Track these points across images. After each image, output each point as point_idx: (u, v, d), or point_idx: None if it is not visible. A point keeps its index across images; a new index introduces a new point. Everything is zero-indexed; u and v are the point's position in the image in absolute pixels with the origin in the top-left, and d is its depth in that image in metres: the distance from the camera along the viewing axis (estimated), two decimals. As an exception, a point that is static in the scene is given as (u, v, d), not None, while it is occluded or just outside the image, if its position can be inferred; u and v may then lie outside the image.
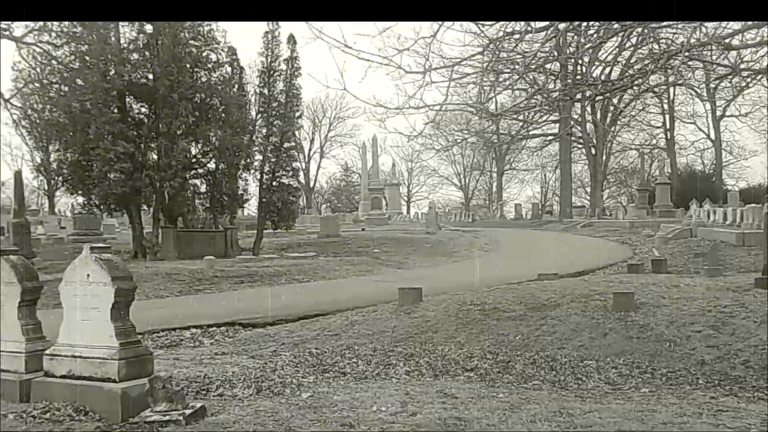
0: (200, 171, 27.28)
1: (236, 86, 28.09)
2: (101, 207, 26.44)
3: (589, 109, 50.72)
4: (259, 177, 28.30)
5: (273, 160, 27.97)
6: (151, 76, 25.28)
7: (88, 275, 6.29)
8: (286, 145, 28.38)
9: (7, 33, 26.32)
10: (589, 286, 12.10)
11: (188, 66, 25.39)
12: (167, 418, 5.86)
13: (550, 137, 55.43)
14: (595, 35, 8.06)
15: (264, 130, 28.32)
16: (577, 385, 7.54)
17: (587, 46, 8.44)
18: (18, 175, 22.72)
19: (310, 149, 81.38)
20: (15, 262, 6.93)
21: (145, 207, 27.26)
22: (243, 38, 58.01)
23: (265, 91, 28.25)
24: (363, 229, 40.03)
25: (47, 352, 6.52)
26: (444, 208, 73.58)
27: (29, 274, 6.95)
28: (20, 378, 6.59)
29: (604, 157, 57.30)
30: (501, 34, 8.18)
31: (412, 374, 7.99)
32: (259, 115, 28.48)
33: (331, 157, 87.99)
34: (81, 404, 6.09)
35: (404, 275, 20.56)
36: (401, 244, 30.16)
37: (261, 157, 28.16)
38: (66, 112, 24.38)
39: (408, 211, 72.22)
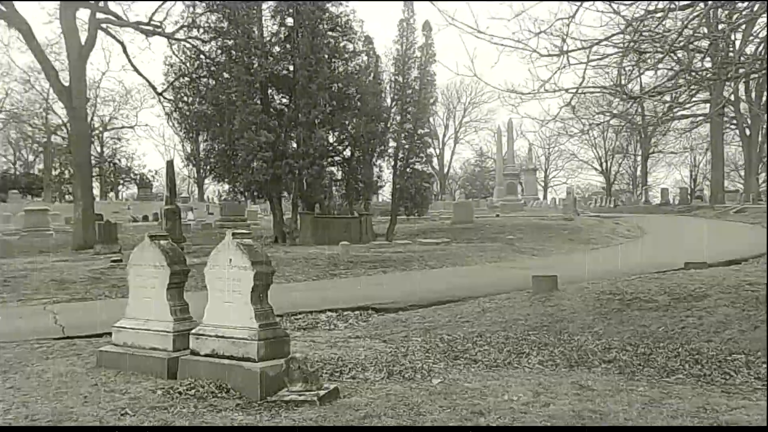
0: (337, 158, 27.99)
1: (372, 75, 28.50)
2: (245, 194, 27.75)
3: (742, 88, 47.30)
4: (393, 164, 28.63)
5: (407, 146, 28.19)
6: (291, 68, 26.17)
7: (230, 260, 6.60)
8: (419, 131, 28.50)
9: (160, 30, 28.04)
10: (740, 275, 11.33)
11: (326, 56, 26.04)
12: (302, 398, 6.06)
13: (700, 118, 52.20)
14: (748, 10, 7.48)
15: (398, 117, 28.58)
16: (723, 380, 7.08)
17: (740, 22, 7.85)
18: (170, 165, 24.15)
19: (444, 135, 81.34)
20: (165, 246, 7.39)
21: (285, 194, 28.31)
22: (379, 27, 58.65)
23: (400, 78, 28.47)
24: (497, 215, 39.56)
25: (193, 331, 6.91)
26: (583, 193, 71.35)
27: (177, 257, 7.39)
28: (168, 356, 7.03)
29: (759, 139, 53.29)
30: (642, 12, 7.77)
31: (545, 364, 7.80)
32: (394, 103, 28.76)
33: (466, 142, 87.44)
34: (223, 382, 6.41)
35: (539, 262, 20.13)
36: (537, 231, 29.53)
37: (395, 144, 28.46)
38: (213, 104, 25.73)
39: (545, 197, 70.56)
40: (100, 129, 70.76)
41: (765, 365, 7.42)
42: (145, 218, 45.46)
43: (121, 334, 7.55)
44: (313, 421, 5.47)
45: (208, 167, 28.07)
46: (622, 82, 8.72)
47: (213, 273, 6.76)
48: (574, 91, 8.58)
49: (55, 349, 9.02)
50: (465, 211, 34.44)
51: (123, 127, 71.98)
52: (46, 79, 33.16)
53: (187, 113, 27.85)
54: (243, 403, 6.09)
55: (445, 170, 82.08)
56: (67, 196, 66.21)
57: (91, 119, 58.30)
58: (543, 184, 79.55)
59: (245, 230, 7.30)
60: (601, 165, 77.30)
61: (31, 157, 78.73)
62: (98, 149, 71.50)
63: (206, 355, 6.69)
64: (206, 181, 64.42)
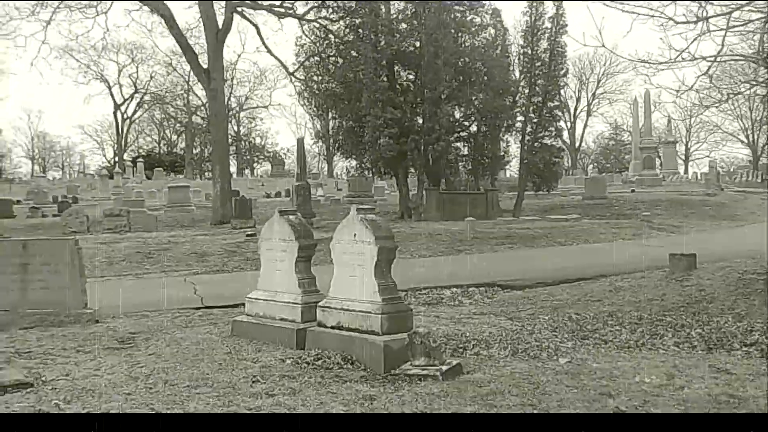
0: (463, 134, 27.73)
1: (499, 48, 27.91)
2: (372, 170, 28.13)
3: None
4: (521, 138, 27.99)
5: (535, 120, 27.44)
6: (417, 44, 26.11)
7: (355, 234, 6.69)
8: (549, 104, 27.62)
9: (291, 11, 28.76)
10: None
11: (452, 31, 25.77)
12: (425, 372, 6.07)
13: None
14: None
15: (527, 91, 27.84)
16: None
17: None
18: (300, 142, 24.90)
19: (576, 108, 78.75)
20: (293, 221, 7.60)
21: (411, 170, 28.43)
22: (507, -2, 57.21)
23: (529, 50, 27.65)
24: (632, 191, 37.91)
25: (320, 304, 7.08)
26: (728, 167, 67.07)
27: (305, 232, 7.59)
28: (296, 327, 7.27)
29: None
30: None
31: (681, 346, 7.41)
32: (522, 76, 28.03)
33: (599, 115, 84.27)
34: (348, 353, 6.54)
35: (677, 240, 19.13)
36: (676, 207, 28.09)
37: (523, 118, 27.78)
38: (341, 82, 26.15)
39: (685, 171, 66.92)
40: (237, 109, 73.78)
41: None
42: (278, 194, 47.12)
43: (254, 305, 7.87)
44: (436, 395, 5.47)
45: (337, 144, 28.65)
46: (765, 49, 8.05)
47: (338, 248, 6.89)
48: (713, 59, 8.00)
49: (194, 318, 9.55)
50: (597, 186, 33.26)
51: (257, 107, 74.85)
52: (186, 62, 34.93)
53: (317, 92, 28.49)
54: (367, 375, 6.19)
55: (577, 144, 79.56)
56: (206, 174, 69.78)
57: (228, 100, 60.86)
58: (683, 157, 75.44)
59: (369, 206, 7.39)
60: (747, 137, 72.26)
61: (173, 137, 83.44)
62: (235, 128, 74.68)
63: (332, 327, 6.84)
64: (335, 157, 65.87)
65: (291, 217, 7.67)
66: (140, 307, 10.42)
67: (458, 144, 27.80)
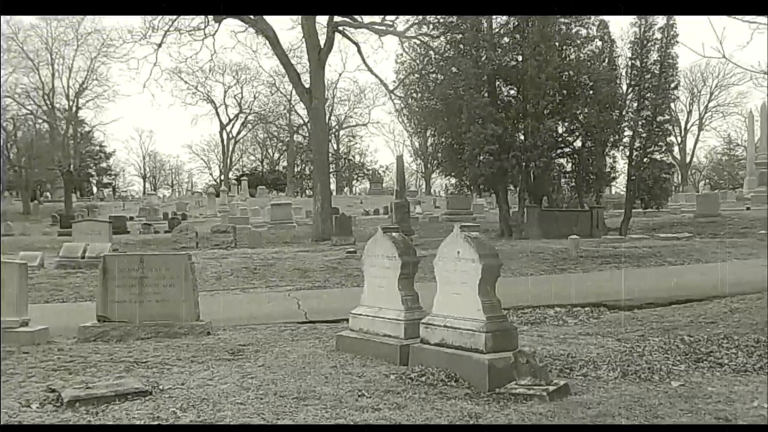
0: (566, 150, 27.18)
1: (606, 60, 27.24)
2: (471, 187, 27.98)
3: None
4: (628, 153, 27.14)
5: (644, 135, 26.52)
6: (519, 58, 25.86)
7: (458, 252, 6.69)
8: (659, 118, 26.66)
9: (392, 29, 29.16)
10: None
11: (557, 44, 25.38)
12: (531, 392, 5.97)
13: None
14: None
15: (635, 104, 26.99)
16: None
17: None
18: (400, 160, 25.14)
19: (687, 122, 75.86)
20: (396, 238, 7.68)
21: (511, 187, 28.12)
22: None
23: (638, 62, 26.78)
24: (748, 208, 36.07)
25: (423, 321, 7.11)
26: None
27: (408, 249, 7.65)
28: (400, 343, 7.33)
29: None
30: None
31: (805, 372, 6.97)
32: (630, 89, 27.19)
33: (712, 128, 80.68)
34: (452, 371, 6.52)
35: (798, 260, 18.01)
36: (796, 225, 26.45)
37: (631, 133, 26.94)
38: (441, 99, 26.22)
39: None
40: (336, 127, 75.24)
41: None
42: (376, 212, 47.67)
43: (357, 320, 7.98)
44: (543, 415, 5.38)
45: (436, 161, 28.74)
46: None
47: (441, 265, 6.90)
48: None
49: (299, 332, 9.79)
50: (710, 203, 31.82)
51: (356, 125, 75.98)
52: (289, 81, 35.97)
53: (416, 109, 28.71)
54: (471, 393, 6.15)
55: (688, 159, 76.48)
56: (307, 191, 71.41)
57: (329, 118, 62.24)
58: (803, 173, 71.08)
59: (472, 223, 7.39)
60: None
61: (275, 155, 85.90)
62: (334, 146, 76.15)
63: (435, 345, 6.84)
64: (433, 175, 66.01)
65: (394, 234, 7.76)
66: (248, 321, 10.78)
67: (561, 160, 27.28)
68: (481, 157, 24.69)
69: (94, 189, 77.74)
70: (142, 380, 6.69)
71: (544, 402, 5.76)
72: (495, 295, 6.64)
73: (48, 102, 56.61)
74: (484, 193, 30.43)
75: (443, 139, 27.09)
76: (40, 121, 58.73)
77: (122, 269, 9.41)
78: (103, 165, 77.80)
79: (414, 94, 29.19)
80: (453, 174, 27.49)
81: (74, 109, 58.54)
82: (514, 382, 6.20)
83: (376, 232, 8.05)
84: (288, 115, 73.50)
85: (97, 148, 72.39)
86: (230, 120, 78.21)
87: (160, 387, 6.50)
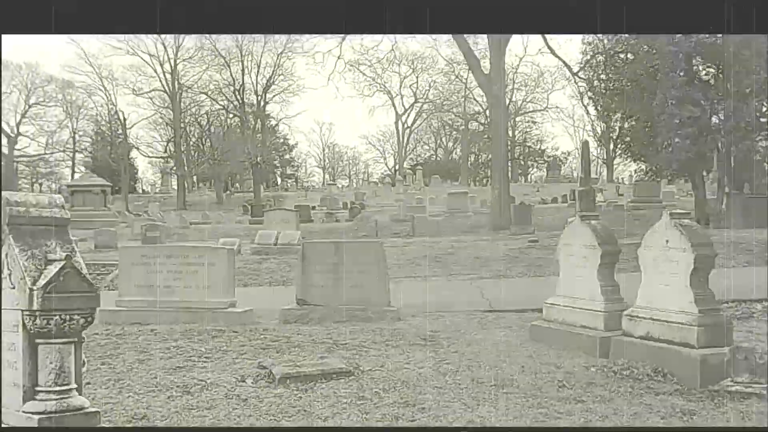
0: (772, 132, 24.93)
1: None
2: (662, 173, 26.43)
3: None
4: None
5: None
6: (720, 35, 24.00)
7: (667, 241, 6.33)
8: None
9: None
10: None
11: (763, 16, 23.32)
12: (749, 390, 5.59)
13: None
14: None
15: None
16: None
17: None
18: (585, 145, 23.96)
19: None
20: (596, 227, 7.41)
21: (704, 173, 26.27)
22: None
23: None
24: None
25: (625, 312, 6.81)
26: None
27: (608, 237, 7.36)
28: (599, 335, 7.08)
29: None
30: None
31: None
32: None
33: None
34: (659, 365, 6.20)
35: None
36: None
37: None
38: (631, 80, 24.94)
39: None
40: (513, 114, 74.05)
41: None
42: (554, 200, 46.38)
43: (552, 310, 7.81)
44: (765, 415, 4.99)
45: (623, 146, 27.43)
46: None
47: (648, 254, 6.57)
48: None
49: (487, 320, 9.73)
50: None
51: (534, 111, 74.34)
52: (468, 68, 35.84)
53: (603, 91, 27.50)
54: (682, 389, 5.86)
55: None
56: (482, 180, 71.03)
57: (508, 105, 61.41)
58: None
59: (683, 211, 6.95)
60: None
61: (449, 144, 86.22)
62: (510, 133, 74.99)
63: (640, 337, 6.55)
64: (616, 161, 63.20)
65: (593, 222, 7.49)
66: (433, 308, 10.86)
67: (765, 143, 25.04)
68: (677, 141, 23.19)
69: (278, 180, 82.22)
70: (343, 361, 6.96)
71: (762, 400, 5.36)
72: (708, 287, 6.23)
73: (238, 98, 60.48)
74: (678, 179, 28.63)
75: (633, 123, 25.78)
76: (231, 116, 62.95)
77: (319, 255, 9.84)
78: (287, 157, 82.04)
79: (601, 76, 27.95)
80: (643, 159, 26.11)
81: (262, 104, 62.15)
82: (729, 379, 5.81)
83: (569, 221, 7.82)
84: (463, 102, 73.37)
85: (282, 140, 76.43)
86: (405, 110, 79.50)
87: (361, 368, 6.72)
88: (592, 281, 7.30)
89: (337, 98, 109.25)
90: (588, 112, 36.47)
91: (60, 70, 78.30)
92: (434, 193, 51.98)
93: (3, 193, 3.65)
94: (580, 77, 29.40)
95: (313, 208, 42.51)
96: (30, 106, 62.37)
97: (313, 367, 6.62)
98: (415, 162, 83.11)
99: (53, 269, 3.38)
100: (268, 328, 9.22)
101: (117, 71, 60.97)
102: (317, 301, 9.69)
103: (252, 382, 6.34)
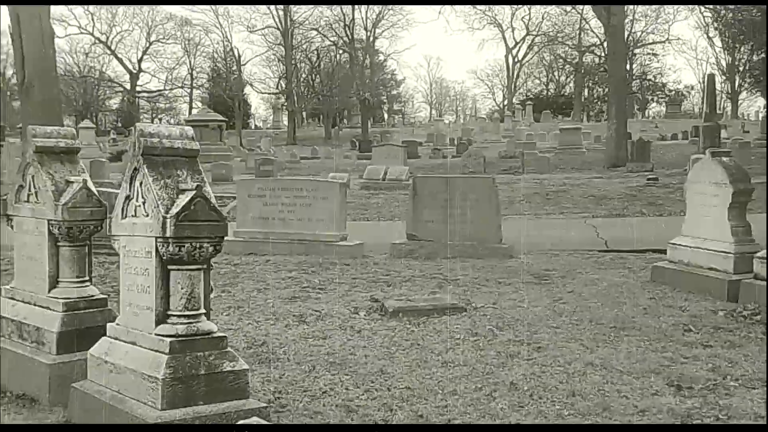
0: None
1: None
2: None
3: None
4: None
5: None
6: None
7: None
8: None
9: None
10: None
11: None
12: None
13: None
14: None
15: None
16: None
17: None
18: (711, 78, 22.70)
19: None
20: (727, 164, 6.94)
21: None
22: None
23: None
24: None
25: (758, 255, 6.42)
26: None
27: (741, 176, 6.88)
28: (728, 278, 6.72)
29: None
30: None
31: None
32: None
33: None
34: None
35: None
36: None
37: None
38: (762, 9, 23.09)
39: None
40: (632, 45, 70.30)
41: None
42: (674, 136, 44.04)
43: (677, 251, 7.44)
44: None
45: (750, 80, 25.63)
46: None
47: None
48: None
49: (604, 260, 9.42)
50: None
51: (653, 43, 70.29)
52: None
53: (731, 21, 25.62)
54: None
55: None
56: (596, 115, 68.36)
57: (628, 36, 58.23)
58: None
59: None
60: None
61: (562, 78, 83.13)
62: (628, 66, 71.33)
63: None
64: (741, 96, 59.22)
65: (724, 158, 7.01)
66: (546, 246, 10.61)
67: None
68: (810, 74, 21.48)
69: (385, 116, 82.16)
70: (455, 297, 6.93)
71: None
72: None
73: (348, 33, 60.35)
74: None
75: (762, 55, 23.99)
76: (341, 51, 62.99)
77: (430, 191, 9.77)
78: (394, 92, 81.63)
79: (729, 6, 26.00)
80: (769, 94, 24.40)
81: (371, 39, 61.77)
82: None
83: (692, 158, 7.40)
84: (578, 34, 70.27)
85: (389, 76, 75.98)
86: (516, 43, 77.02)
87: (473, 305, 6.67)
88: (722, 221, 6.88)
89: (446, 32, 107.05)
90: (713, 44, 34.12)
91: (179, 8, 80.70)
92: (545, 129, 50.57)
93: (137, 124, 3.74)
94: (706, 6, 27.45)
95: (420, 144, 42.28)
96: (150, 44, 64.75)
97: (425, 302, 6.63)
98: (525, 97, 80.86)
99: (185, 198, 3.46)
100: (378, 262, 9.30)
101: (232, 9, 62.18)
102: (428, 237, 9.67)
103: (365, 315, 6.41)
